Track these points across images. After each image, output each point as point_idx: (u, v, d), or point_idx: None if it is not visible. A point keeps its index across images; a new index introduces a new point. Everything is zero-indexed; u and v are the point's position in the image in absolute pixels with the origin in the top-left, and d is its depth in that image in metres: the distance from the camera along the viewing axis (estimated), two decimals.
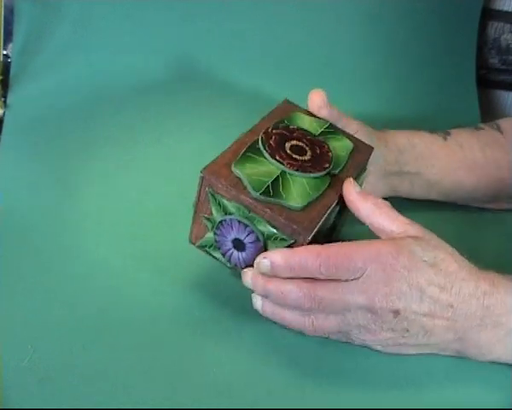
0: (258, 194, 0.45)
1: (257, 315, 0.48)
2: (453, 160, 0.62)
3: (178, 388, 0.45)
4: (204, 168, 0.47)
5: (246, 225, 0.46)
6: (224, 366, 0.46)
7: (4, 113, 0.72)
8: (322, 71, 0.81)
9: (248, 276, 0.47)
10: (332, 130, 0.55)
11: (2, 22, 0.73)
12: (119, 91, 0.77)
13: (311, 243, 0.45)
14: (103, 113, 0.74)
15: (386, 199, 0.49)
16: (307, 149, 0.50)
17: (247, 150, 0.49)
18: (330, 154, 0.51)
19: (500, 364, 0.47)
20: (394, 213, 0.47)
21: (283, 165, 0.48)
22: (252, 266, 0.47)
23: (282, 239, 0.45)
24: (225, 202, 0.46)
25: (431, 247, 0.45)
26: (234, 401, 0.44)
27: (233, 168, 0.47)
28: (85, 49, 0.79)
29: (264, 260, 0.45)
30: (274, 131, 0.51)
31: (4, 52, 0.76)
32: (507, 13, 0.84)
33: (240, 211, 0.46)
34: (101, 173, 0.66)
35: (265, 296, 0.46)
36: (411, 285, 0.44)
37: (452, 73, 0.84)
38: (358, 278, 0.44)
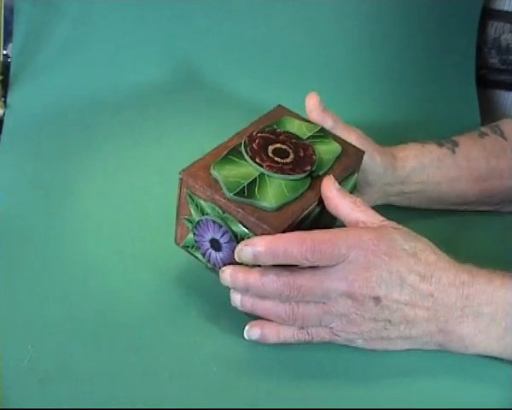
0: (231, 194, 0.46)
1: (254, 315, 0.48)
2: (459, 174, 0.62)
3: (178, 387, 0.45)
4: (183, 170, 0.47)
5: (220, 226, 0.46)
6: (223, 366, 0.47)
7: (4, 113, 0.72)
8: (322, 71, 0.81)
9: (227, 273, 0.46)
10: (322, 134, 0.55)
11: (2, 22, 0.73)
12: (118, 91, 0.77)
13: None
14: (103, 112, 0.74)
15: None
16: (290, 151, 0.51)
17: (229, 153, 0.49)
18: (314, 157, 0.51)
19: (500, 362, 0.47)
20: (372, 211, 0.48)
21: (262, 167, 0.48)
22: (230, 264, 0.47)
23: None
24: (202, 202, 0.47)
25: (411, 237, 0.46)
26: (233, 400, 0.44)
27: (211, 170, 0.47)
28: (85, 49, 0.79)
29: (246, 248, 0.44)
30: (258, 135, 0.51)
31: (4, 52, 0.76)
32: (507, 13, 0.84)
33: (215, 211, 0.46)
34: (100, 173, 0.66)
35: (246, 290, 0.46)
36: (391, 272, 0.44)
37: (452, 73, 0.84)
38: (339, 264, 0.44)
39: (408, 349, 0.47)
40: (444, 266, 0.46)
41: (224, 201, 0.46)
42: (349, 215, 0.47)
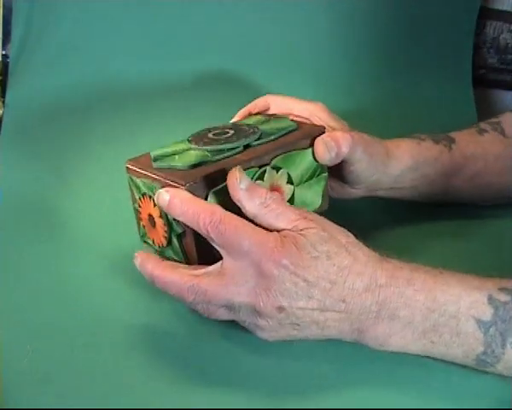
0: (154, 163, 0.48)
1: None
2: (455, 172, 0.61)
3: (178, 388, 0.45)
4: (128, 159, 0.50)
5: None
6: (223, 366, 0.47)
7: (3, 112, 0.72)
8: (320, 71, 0.81)
9: (137, 260, 0.46)
10: (277, 117, 0.56)
11: (2, 22, 0.73)
12: (117, 91, 0.77)
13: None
14: (102, 112, 0.74)
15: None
16: (230, 131, 0.52)
17: (174, 143, 0.52)
18: (255, 129, 0.51)
19: None
20: (283, 209, 0.44)
21: (190, 142, 0.51)
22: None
23: None
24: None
25: (323, 240, 0.43)
26: (233, 400, 0.44)
27: (151, 152, 0.50)
28: (83, 48, 0.79)
29: (164, 193, 0.45)
30: (209, 128, 0.53)
31: (3, 52, 0.76)
32: (506, 12, 0.84)
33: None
34: (99, 172, 0.66)
35: (151, 282, 0.45)
36: (297, 283, 0.42)
37: (449, 73, 0.84)
38: (242, 269, 0.42)
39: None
40: (359, 270, 0.43)
41: (148, 170, 0.48)
42: (257, 219, 0.44)
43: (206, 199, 0.46)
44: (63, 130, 0.71)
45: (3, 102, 0.73)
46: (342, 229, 0.45)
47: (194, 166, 0.47)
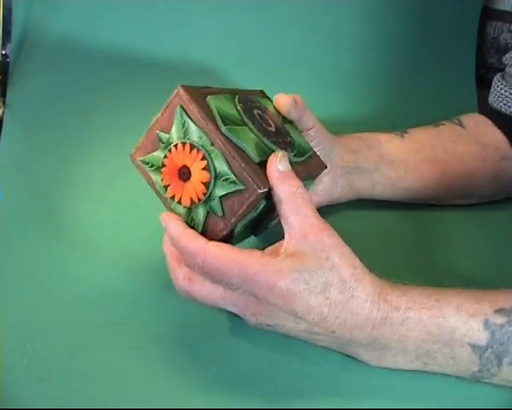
0: (225, 128, 0.43)
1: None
2: (413, 156, 0.60)
3: (178, 387, 0.45)
4: (183, 85, 0.44)
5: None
6: (223, 366, 0.47)
7: (4, 112, 0.72)
8: (322, 70, 0.81)
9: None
10: (296, 129, 0.54)
11: (2, 22, 0.73)
12: (117, 91, 0.77)
13: (255, 200, 0.43)
14: (102, 112, 0.74)
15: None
16: (272, 123, 0.49)
17: (224, 95, 0.47)
18: (289, 138, 0.49)
19: None
20: (305, 211, 0.43)
21: (243, 113, 0.46)
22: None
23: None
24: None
25: (323, 270, 0.41)
26: (233, 400, 0.44)
27: (207, 99, 0.45)
28: (84, 48, 0.79)
29: (162, 221, 0.44)
30: (248, 97, 0.50)
31: (3, 52, 0.76)
32: (506, 12, 0.84)
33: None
34: (100, 173, 0.66)
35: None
36: (286, 311, 0.42)
37: (452, 73, 0.84)
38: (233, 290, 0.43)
39: None
40: (354, 309, 0.42)
41: (216, 132, 0.43)
42: (280, 204, 0.43)
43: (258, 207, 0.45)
44: (63, 130, 0.71)
45: (4, 101, 0.73)
46: (352, 257, 0.43)
47: (260, 162, 0.44)
